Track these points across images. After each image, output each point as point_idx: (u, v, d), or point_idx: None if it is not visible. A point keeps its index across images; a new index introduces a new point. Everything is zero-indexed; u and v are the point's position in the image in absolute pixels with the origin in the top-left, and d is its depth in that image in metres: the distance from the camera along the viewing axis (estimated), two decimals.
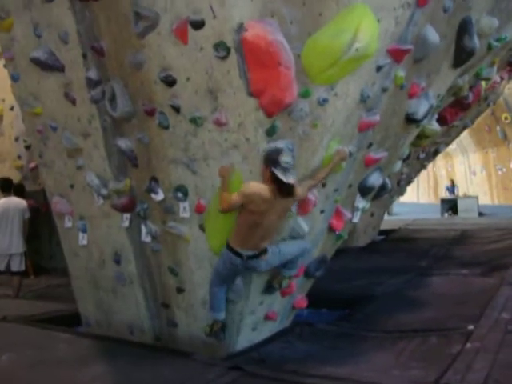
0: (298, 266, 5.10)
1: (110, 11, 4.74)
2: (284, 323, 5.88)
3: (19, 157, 10.95)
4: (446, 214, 22.73)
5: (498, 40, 5.66)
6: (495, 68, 7.44)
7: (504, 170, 28.74)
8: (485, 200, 27.78)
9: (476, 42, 5.15)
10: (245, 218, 4.60)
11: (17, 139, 10.87)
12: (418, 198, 38.82)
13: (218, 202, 4.67)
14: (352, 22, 4.11)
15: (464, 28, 5.01)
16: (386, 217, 15.62)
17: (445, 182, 31.48)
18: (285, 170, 4.37)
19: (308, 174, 4.63)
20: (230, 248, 4.70)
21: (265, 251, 4.75)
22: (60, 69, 5.35)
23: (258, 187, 4.50)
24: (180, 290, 5.35)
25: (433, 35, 4.70)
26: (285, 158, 4.36)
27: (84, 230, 5.98)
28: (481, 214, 21.72)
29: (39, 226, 10.58)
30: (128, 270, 5.76)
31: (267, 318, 5.44)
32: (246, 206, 4.53)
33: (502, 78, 10.49)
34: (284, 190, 4.45)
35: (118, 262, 5.78)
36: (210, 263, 5.04)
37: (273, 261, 4.87)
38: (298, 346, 5.46)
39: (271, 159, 4.41)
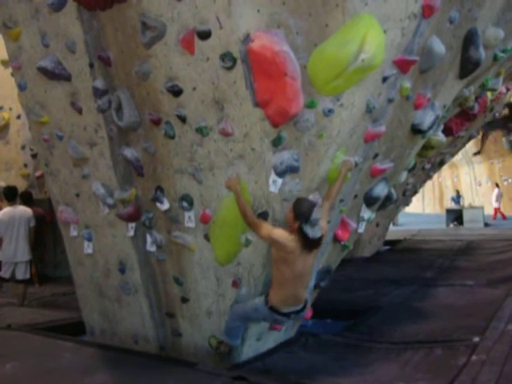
0: None
1: (118, 21, 4.76)
2: (289, 333, 5.87)
3: (25, 165, 11.01)
4: (451, 225, 22.68)
5: (503, 51, 5.65)
6: (501, 79, 7.44)
7: (510, 180, 28.73)
8: (490, 211, 27.72)
9: (482, 53, 5.14)
10: (281, 272, 4.50)
11: (23, 147, 10.93)
12: (424, 209, 38.76)
13: (241, 213, 4.57)
14: (358, 32, 4.10)
15: (470, 39, 5.01)
16: (391, 227, 15.59)
17: (450, 193, 31.49)
18: (312, 224, 4.33)
19: (313, 185, 4.62)
20: (272, 309, 4.57)
21: (306, 301, 4.76)
22: (67, 78, 5.37)
23: (284, 237, 4.40)
24: (184, 300, 5.35)
25: (439, 46, 4.70)
26: (315, 215, 4.31)
27: (89, 239, 5.98)
28: (486, 225, 21.67)
29: (44, 235, 10.63)
30: (133, 279, 5.76)
31: (272, 328, 5.43)
32: (275, 255, 4.49)
33: (507, 89, 10.50)
34: (310, 245, 4.41)
35: (122, 271, 5.79)
36: (215, 273, 5.04)
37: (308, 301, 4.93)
38: (303, 356, 5.44)
39: (303, 215, 4.32)
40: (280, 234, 4.42)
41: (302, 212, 4.34)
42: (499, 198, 26.57)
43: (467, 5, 4.74)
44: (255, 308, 4.73)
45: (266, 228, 4.44)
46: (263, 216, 4.69)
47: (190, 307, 5.35)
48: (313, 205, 4.37)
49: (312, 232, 4.32)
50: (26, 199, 9.58)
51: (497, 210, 25.91)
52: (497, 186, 27.77)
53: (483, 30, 5.09)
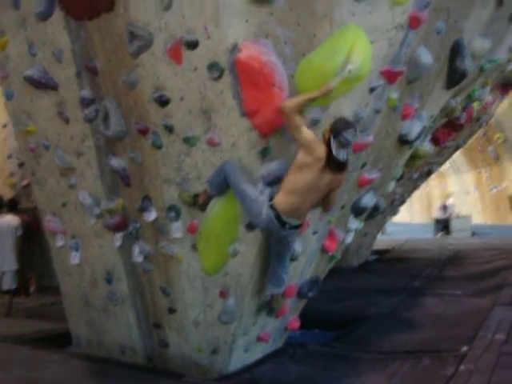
0: (285, 282, 5.04)
1: (105, 31, 4.75)
2: (277, 344, 5.85)
3: (12, 174, 10.95)
4: (439, 234, 22.72)
5: (490, 62, 5.70)
6: (488, 89, 7.49)
7: (497, 189, 28.86)
8: (478, 220, 27.86)
9: (468, 64, 5.17)
10: (296, 178, 4.34)
11: (10, 157, 10.88)
12: (412, 218, 38.86)
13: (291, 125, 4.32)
14: (345, 43, 4.12)
15: (456, 50, 5.05)
16: (379, 236, 15.59)
17: (438, 202, 31.57)
18: (342, 144, 4.22)
19: None
20: (273, 208, 4.41)
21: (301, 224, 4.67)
22: (54, 87, 5.34)
23: (319, 142, 4.29)
24: (172, 311, 5.32)
25: (426, 57, 4.73)
26: (347, 135, 4.20)
27: (76, 249, 5.94)
28: (474, 234, 21.73)
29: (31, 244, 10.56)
30: (120, 290, 5.72)
31: (260, 339, 5.41)
32: (299, 159, 4.31)
33: (494, 99, 10.55)
34: (331, 163, 4.30)
35: (109, 281, 5.75)
36: (202, 283, 5.01)
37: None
38: (291, 367, 5.42)
39: (336, 128, 4.24)
40: (316, 139, 4.31)
41: (336, 125, 4.26)
42: (451, 208, 26.97)
43: (453, 16, 4.78)
44: (256, 198, 4.48)
45: (308, 132, 4.26)
46: (251, 226, 4.68)
47: (177, 318, 5.32)
48: (350, 125, 4.26)
49: (337, 150, 4.23)
50: (12, 206, 9.54)
51: None
52: (449, 196, 28.21)
53: (469, 40, 5.13)
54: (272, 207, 4.41)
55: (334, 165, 4.31)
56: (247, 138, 4.42)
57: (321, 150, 4.27)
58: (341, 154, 4.26)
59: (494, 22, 5.31)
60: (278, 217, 4.40)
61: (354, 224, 5.59)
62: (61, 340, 6.74)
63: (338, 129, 4.22)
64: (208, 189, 4.72)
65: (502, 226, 24.53)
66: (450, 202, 27.04)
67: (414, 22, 4.36)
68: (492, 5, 5.10)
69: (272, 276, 4.92)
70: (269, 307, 5.17)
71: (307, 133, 4.24)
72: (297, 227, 4.60)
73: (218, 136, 4.51)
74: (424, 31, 4.57)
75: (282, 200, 4.41)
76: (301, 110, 4.23)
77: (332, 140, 4.22)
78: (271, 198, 4.48)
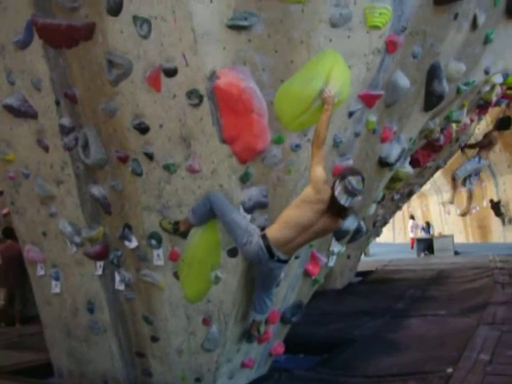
0: (269, 309, 5.02)
1: (84, 59, 4.75)
2: (261, 370, 5.79)
3: None
4: (422, 254, 22.79)
5: (466, 84, 5.79)
6: (465, 111, 7.58)
7: (478, 208, 29.10)
8: (460, 239, 28.01)
9: (445, 87, 5.25)
10: (294, 213, 4.36)
11: None
12: (394, 239, 38.98)
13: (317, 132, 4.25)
14: (323, 68, 4.17)
15: (433, 73, 5.12)
16: (362, 258, 15.60)
17: (420, 222, 31.75)
18: (346, 190, 4.20)
19: None
20: (264, 238, 4.42)
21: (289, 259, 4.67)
22: (33, 116, 5.32)
23: (328, 186, 4.32)
24: (155, 339, 5.27)
25: (403, 80, 4.79)
26: (352, 180, 4.19)
27: (57, 278, 5.88)
28: (456, 253, 21.81)
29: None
30: (101, 319, 5.66)
31: (244, 365, 5.36)
32: (306, 194, 4.34)
33: (472, 120, 10.66)
34: (333, 206, 4.30)
35: (91, 310, 5.68)
36: (185, 311, 4.97)
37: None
38: None
39: (342, 172, 4.31)
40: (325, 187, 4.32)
41: (344, 171, 4.35)
42: (414, 228, 27.30)
43: (429, 40, 4.85)
44: (246, 226, 4.48)
45: (322, 171, 4.30)
46: (233, 252, 4.67)
47: (160, 346, 5.26)
48: (357, 172, 4.29)
49: (340, 193, 4.22)
50: (7, 235, 9.59)
51: (413, 240, 26.27)
52: (412, 217, 28.58)
53: (445, 64, 5.21)
54: (263, 237, 4.41)
55: (335, 207, 4.31)
56: (227, 165, 4.43)
57: (327, 193, 4.30)
58: (343, 199, 4.25)
59: (469, 45, 5.41)
60: (268, 247, 4.40)
61: (337, 247, 5.59)
62: (41, 371, 6.62)
63: (345, 173, 4.28)
64: (190, 218, 4.71)
65: (484, 245, 24.69)
66: (411, 223, 27.41)
67: (390, 47, 4.42)
68: (467, 28, 5.19)
69: (256, 302, 4.90)
70: (248, 334, 5.13)
71: (321, 172, 4.28)
72: (284, 262, 4.61)
73: (198, 163, 4.51)
74: (401, 55, 4.63)
75: (275, 231, 4.43)
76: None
77: (337, 183, 4.25)
78: (263, 228, 4.51)
